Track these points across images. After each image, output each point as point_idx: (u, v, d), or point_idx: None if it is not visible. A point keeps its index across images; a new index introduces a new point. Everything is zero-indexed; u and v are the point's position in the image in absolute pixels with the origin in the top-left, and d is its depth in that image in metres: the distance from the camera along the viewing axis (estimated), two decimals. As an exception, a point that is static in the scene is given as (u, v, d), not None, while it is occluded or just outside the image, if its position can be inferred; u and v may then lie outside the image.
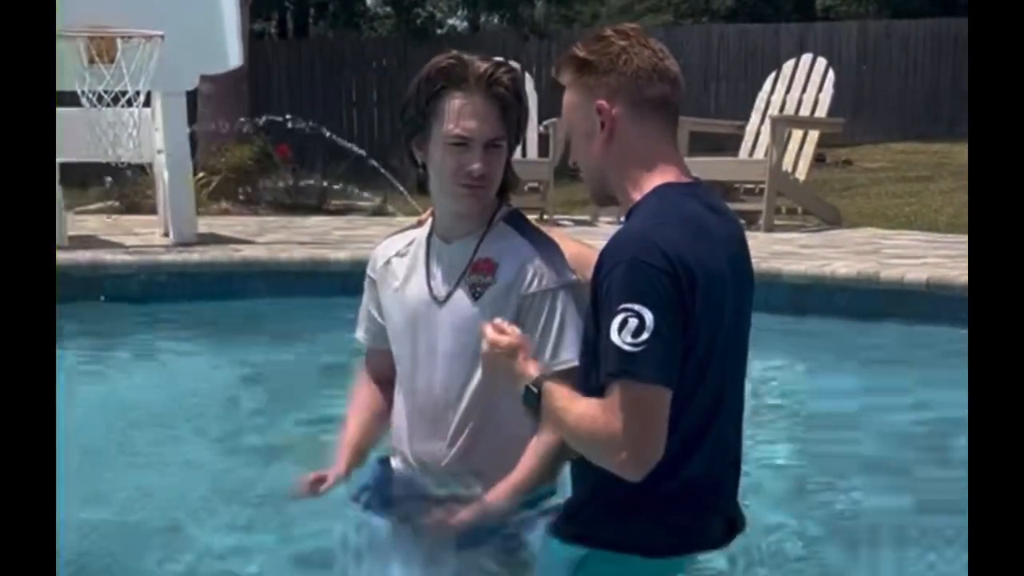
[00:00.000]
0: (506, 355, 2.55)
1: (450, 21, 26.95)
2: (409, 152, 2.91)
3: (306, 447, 4.24)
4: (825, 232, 9.86)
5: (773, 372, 5.64)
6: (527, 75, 8.94)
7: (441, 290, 2.89)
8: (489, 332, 2.58)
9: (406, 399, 2.98)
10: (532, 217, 3.09)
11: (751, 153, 10.81)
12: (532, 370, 2.53)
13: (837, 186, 13.70)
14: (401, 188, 10.24)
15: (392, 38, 22.22)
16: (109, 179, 11.47)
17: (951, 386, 4.79)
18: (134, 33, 8.09)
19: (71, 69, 7.70)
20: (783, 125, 10.29)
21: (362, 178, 11.70)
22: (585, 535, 2.57)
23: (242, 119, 12.27)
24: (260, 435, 4.46)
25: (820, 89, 10.85)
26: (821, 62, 11.02)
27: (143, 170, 10.53)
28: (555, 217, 10.58)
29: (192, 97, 11.16)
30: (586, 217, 10.48)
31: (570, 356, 2.68)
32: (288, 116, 10.87)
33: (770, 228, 9.76)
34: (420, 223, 3.04)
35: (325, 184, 12.31)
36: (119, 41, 8.03)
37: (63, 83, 7.08)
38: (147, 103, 8.64)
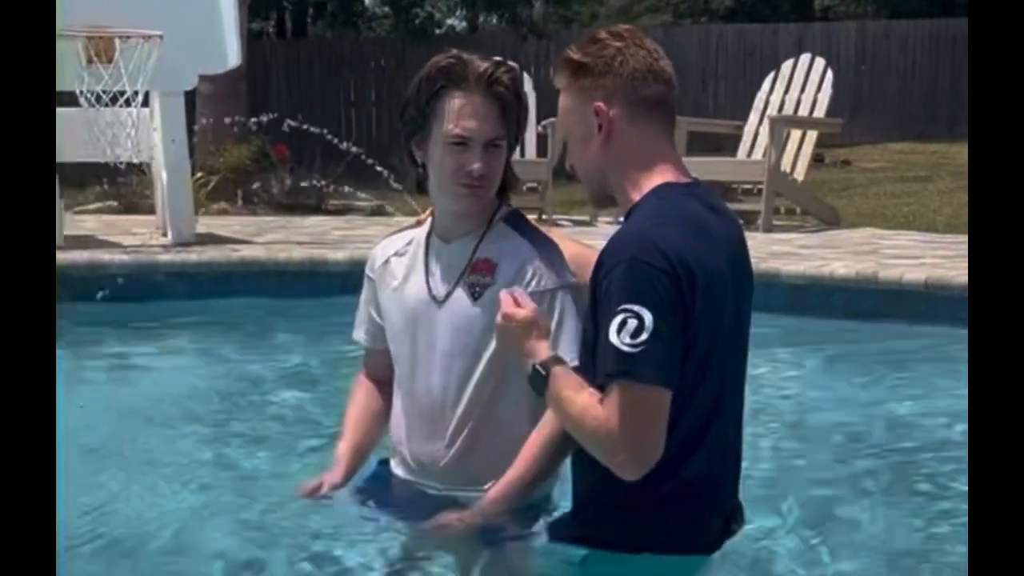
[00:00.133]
0: (521, 328, 2.55)
1: (448, 21, 26.98)
2: (409, 152, 2.91)
3: (306, 447, 4.24)
4: (824, 232, 9.84)
5: (771, 372, 5.64)
6: (526, 75, 8.94)
7: (440, 290, 2.89)
8: (506, 304, 2.58)
9: (405, 399, 2.98)
10: (531, 217, 3.09)
11: (749, 153, 10.80)
12: (542, 351, 2.52)
13: (836, 186, 13.69)
14: (400, 188, 10.23)
15: (390, 38, 22.20)
16: (105, 180, 11.47)
17: (950, 386, 4.81)
18: (133, 33, 8.07)
19: (69, 69, 7.69)
20: (782, 125, 10.28)
21: (361, 178, 11.68)
22: (585, 535, 2.57)
23: (240, 118, 12.27)
24: (260, 435, 4.46)
25: (819, 89, 10.84)
26: (820, 62, 11.00)
27: (141, 170, 10.52)
28: (554, 217, 10.56)
29: (191, 97, 11.16)
30: (585, 217, 10.46)
31: (569, 356, 2.68)
32: (288, 120, 10.86)
33: (768, 228, 9.75)
34: (419, 223, 3.04)
35: (323, 184, 12.31)
36: (117, 41, 8.01)
37: (61, 83, 7.06)
38: (145, 103, 8.63)
